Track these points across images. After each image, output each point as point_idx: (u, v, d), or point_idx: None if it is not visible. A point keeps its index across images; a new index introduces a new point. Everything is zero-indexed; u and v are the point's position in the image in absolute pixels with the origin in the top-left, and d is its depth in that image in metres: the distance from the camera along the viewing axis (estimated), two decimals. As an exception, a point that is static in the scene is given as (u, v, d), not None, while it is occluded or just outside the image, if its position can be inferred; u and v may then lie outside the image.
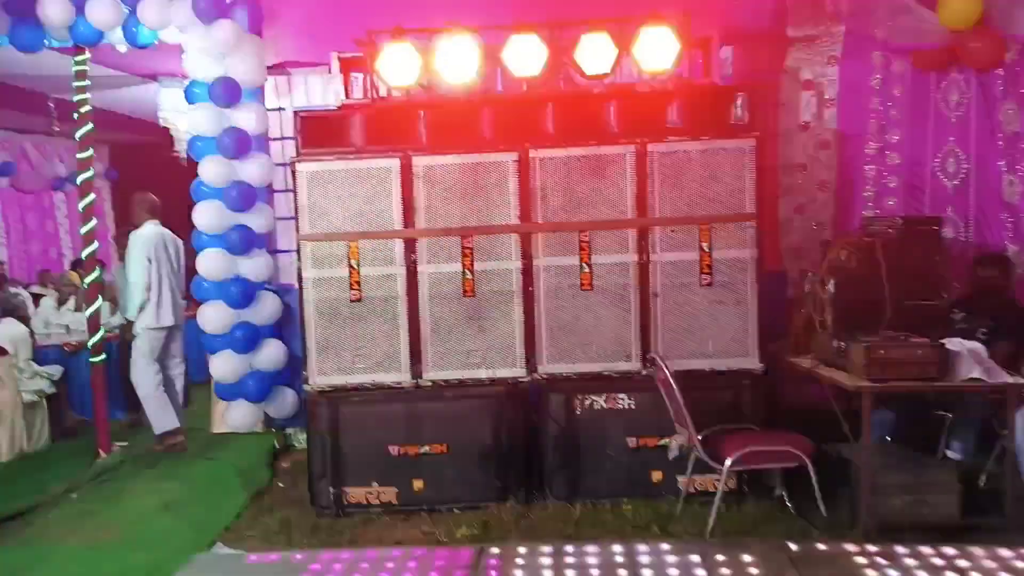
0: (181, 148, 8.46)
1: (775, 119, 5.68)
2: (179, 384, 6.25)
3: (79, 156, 5.77)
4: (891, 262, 4.40)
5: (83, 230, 5.70)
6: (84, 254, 5.66)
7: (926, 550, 3.93)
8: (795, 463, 4.05)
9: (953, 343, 3.96)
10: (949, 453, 4.71)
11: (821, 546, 4.04)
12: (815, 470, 4.05)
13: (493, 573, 3.65)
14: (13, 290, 7.96)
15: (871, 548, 3.83)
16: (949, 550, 3.98)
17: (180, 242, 6.17)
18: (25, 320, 6.59)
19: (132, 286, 5.89)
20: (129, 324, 6.03)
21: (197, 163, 5.68)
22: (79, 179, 5.79)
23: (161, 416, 5.89)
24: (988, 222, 5.31)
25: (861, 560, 3.75)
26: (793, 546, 3.89)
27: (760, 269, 4.52)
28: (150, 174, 10.66)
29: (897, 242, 4.48)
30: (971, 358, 3.89)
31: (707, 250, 4.50)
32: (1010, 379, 3.93)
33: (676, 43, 4.37)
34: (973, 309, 4.62)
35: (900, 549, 3.78)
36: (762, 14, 5.52)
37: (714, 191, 4.48)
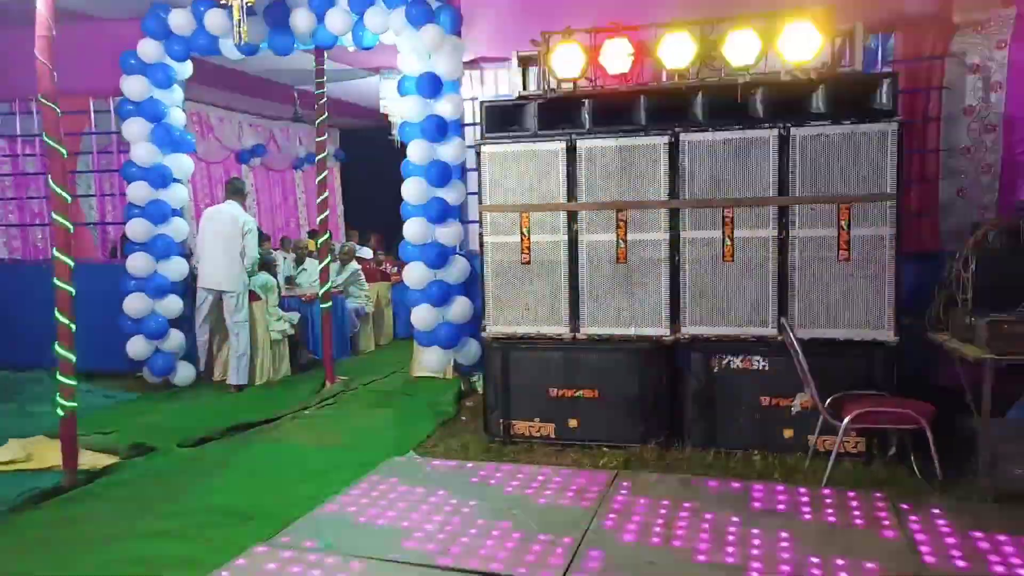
0: (396, 133, 9.73)
1: (938, 103, 5.76)
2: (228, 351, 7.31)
3: (317, 139, 7.03)
4: (1038, 246, 4.48)
5: (318, 200, 6.95)
6: (319, 219, 6.90)
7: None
8: (914, 426, 4.28)
9: (1087, 325, 4.03)
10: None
11: (926, 499, 4.40)
12: (937, 436, 4.25)
13: (624, 492, 4.38)
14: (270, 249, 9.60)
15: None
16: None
17: (239, 217, 7.13)
18: (274, 273, 8.09)
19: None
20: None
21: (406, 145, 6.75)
22: (316, 158, 7.05)
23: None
24: None
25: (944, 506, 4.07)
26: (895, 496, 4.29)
27: (899, 246, 4.74)
28: (371, 155, 12.13)
29: (1048, 227, 4.53)
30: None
31: (845, 228, 4.79)
32: None
33: (818, 36, 4.70)
34: None
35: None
36: (928, 1, 5.61)
37: (855, 172, 4.75)
